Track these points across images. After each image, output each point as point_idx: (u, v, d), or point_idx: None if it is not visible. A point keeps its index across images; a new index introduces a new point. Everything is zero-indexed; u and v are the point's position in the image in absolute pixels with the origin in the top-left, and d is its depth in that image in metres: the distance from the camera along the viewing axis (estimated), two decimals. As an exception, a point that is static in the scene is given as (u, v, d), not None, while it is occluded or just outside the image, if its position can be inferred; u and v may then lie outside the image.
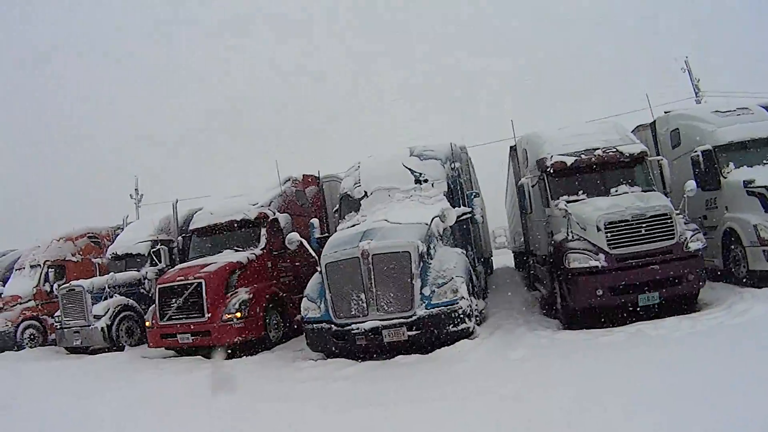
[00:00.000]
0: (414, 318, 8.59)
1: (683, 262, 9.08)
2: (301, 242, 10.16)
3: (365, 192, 11.29)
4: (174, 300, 12.03)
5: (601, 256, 9.11)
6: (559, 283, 9.79)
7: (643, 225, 9.12)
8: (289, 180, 14.55)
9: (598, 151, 10.67)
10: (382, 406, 6.22)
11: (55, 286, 16.38)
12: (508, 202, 21.24)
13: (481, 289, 13.06)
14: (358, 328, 8.76)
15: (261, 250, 12.81)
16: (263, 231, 12.98)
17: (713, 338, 7.24)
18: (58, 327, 15.40)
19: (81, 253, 18.65)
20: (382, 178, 11.31)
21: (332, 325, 9.08)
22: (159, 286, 12.40)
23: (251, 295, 11.87)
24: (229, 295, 11.89)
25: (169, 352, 12.73)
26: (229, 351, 11.59)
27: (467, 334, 8.79)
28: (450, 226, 10.39)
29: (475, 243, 12.73)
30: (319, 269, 9.43)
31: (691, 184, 9.93)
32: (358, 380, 7.81)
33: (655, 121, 14.67)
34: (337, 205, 12.09)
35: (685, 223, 9.53)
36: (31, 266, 18.21)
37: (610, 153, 10.62)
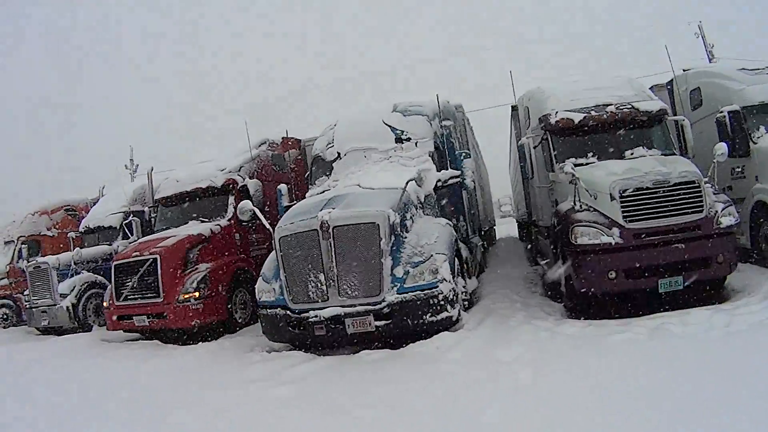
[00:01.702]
0: (383, 305, 6.71)
1: (713, 241, 7.20)
2: (254, 212, 8.24)
3: (338, 153, 9.32)
4: (129, 278, 10.31)
5: (615, 230, 7.19)
6: (564, 261, 7.83)
7: (666, 194, 7.20)
8: (265, 143, 12.57)
9: (611, 108, 8.83)
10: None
11: (24, 263, 14.78)
12: (511, 168, 19.11)
13: (476, 264, 11.11)
14: (316, 316, 6.92)
15: (228, 220, 10.95)
16: (231, 199, 11.10)
17: (757, 342, 5.33)
18: (28, 306, 13.96)
19: (57, 227, 16.94)
20: (358, 137, 9.33)
21: (287, 311, 7.24)
22: (114, 263, 10.74)
23: (212, 272, 10.04)
24: (188, 272, 10.08)
25: (131, 334, 11.02)
26: (189, 335, 9.88)
27: (449, 325, 6.90)
28: (435, 193, 8.44)
29: (469, 212, 10.72)
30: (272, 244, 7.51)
31: (722, 147, 8.03)
32: (306, 383, 6.02)
33: (672, 80, 12.60)
34: (309, 170, 10.10)
35: (715, 194, 7.64)
36: (5, 242, 16.68)
37: (625, 110, 8.77)
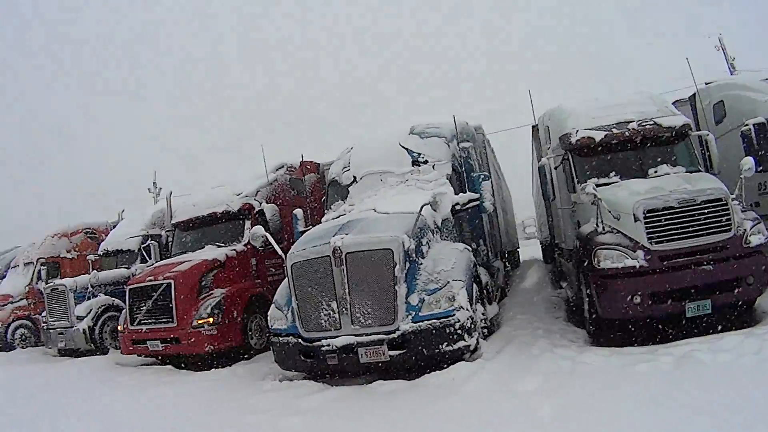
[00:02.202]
0: (397, 333, 6.41)
1: (742, 261, 6.77)
2: (266, 238, 8.03)
3: (354, 177, 9.09)
4: (143, 303, 10.16)
5: (639, 253, 6.82)
6: (587, 285, 7.48)
7: (693, 213, 6.81)
8: (283, 167, 12.41)
9: (633, 125, 8.45)
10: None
11: (42, 285, 14.78)
12: (534, 189, 18.73)
13: (497, 288, 10.77)
14: (328, 345, 6.63)
15: (244, 245, 10.76)
16: (247, 224, 10.91)
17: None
18: (45, 328, 13.95)
19: (77, 249, 16.97)
20: (374, 160, 9.10)
21: (299, 340, 6.97)
22: (129, 287, 10.61)
23: (227, 298, 9.84)
24: (202, 297, 9.90)
25: (146, 358, 10.83)
26: (204, 360, 9.66)
27: (466, 354, 6.58)
28: (453, 217, 8.16)
29: (489, 235, 10.40)
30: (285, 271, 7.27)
31: (749, 162, 7.56)
32: (316, 415, 5.75)
33: (694, 94, 12.30)
34: (325, 194, 9.88)
35: (743, 211, 7.26)
36: (25, 264, 16.79)
37: (647, 126, 8.40)
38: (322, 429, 5.35)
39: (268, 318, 7.61)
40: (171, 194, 14.93)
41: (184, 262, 10.36)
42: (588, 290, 7.45)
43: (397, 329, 6.40)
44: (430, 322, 6.36)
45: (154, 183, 25.59)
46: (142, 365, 10.66)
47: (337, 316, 6.65)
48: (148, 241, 13.68)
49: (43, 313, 14.06)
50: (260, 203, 11.05)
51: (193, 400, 7.15)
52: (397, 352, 6.40)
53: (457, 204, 8.14)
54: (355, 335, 6.54)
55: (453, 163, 8.88)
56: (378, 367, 6.68)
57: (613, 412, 4.48)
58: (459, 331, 6.35)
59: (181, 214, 11.96)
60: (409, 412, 5.37)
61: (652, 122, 8.47)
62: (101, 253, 14.91)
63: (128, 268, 14.10)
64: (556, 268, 13.43)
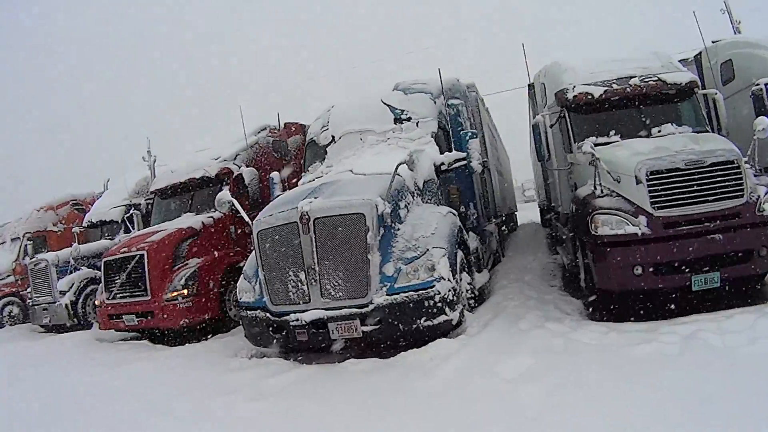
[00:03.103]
0: (370, 307, 5.69)
1: (754, 231, 6.00)
2: (232, 204, 7.29)
3: (332, 137, 8.30)
4: (118, 276, 9.50)
5: (642, 219, 6.05)
6: (583, 253, 6.73)
7: (701, 177, 6.01)
8: (265, 129, 11.58)
9: (635, 80, 7.72)
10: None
11: (25, 260, 14.17)
12: (531, 151, 17.88)
13: (490, 254, 10.04)
14: (297, 320, 5.94)
15: (222, 212, 9.98)
16: (225, 189, 10.08)
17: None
18: (31, 304, 13.41)
19: (64, 222, 16.26)
20: (354, 119, 8.30)
21: (268, 314, 6.29)
22: (104, 259, 9.92)
23: (203, 268, 9.17)
24: (177, 268, 9.22)
25: (127, 333, 10.26)
26: (180, 335, 9.07)
27: (447, 330, 5.87)
28: (438, 178, 7.39)
29: (481, 198, 9.61)
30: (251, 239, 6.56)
31: (764, 122, 6.74)
32: (280, 398, 5.09)
33: (700, 53, 11.42)
34: (303, 156, 9.09)
35: (756, 176, 6.55)
36: (12, 239, 16.12)
37: (651, 82, 7.65)
38: (284, 415, 4.68)
39: (237, 290, 6.95)
40: (155, 160, 14.25)
41: (158, 231, 9.67)
42: (584, 259, 6.71)
43: (371, 302, 5.68)
44: (406, 294, 5.63)
45: (148, 151, 24.78)
46: (121, 340, 10.11)
47: (306, 288, 5.95)
48: (131, 211, 12.98)
49: (28, 289, 13.51)
50: (239, 167, 10.29)
51: (159, 381, 6.50)
52: (370, 328, 5.69)
53: (443, 164, 7.35)
54: (326, 309, 5.84)
55: (440, 121, 8.06)
56: (351, 344, 6.01)
57: (607, 402, 3.77)
58: (439, 305, 5.62)
59: (159, 181, 11.26)
60: (379, 396, 4.70)
61: (655, 78, 7.72)
62: (86, 225, 14.25)
63: (112, 239, 13.43)
64: (552, 232, 12.67)
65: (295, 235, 5.96)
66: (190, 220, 9.80)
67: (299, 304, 6.01)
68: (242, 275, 6.92)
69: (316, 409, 4.68)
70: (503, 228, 15.65)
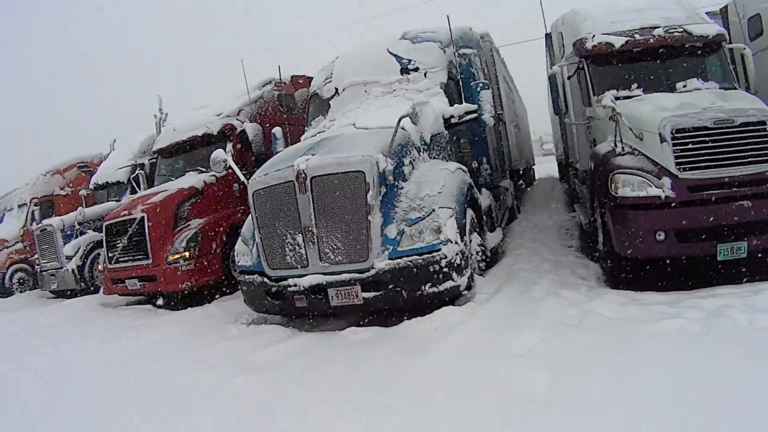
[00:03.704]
0: (372, 272, 5.23)
1: None
2: (227, 162, 6.84)
3: (336, 89, 7.74)
4: (119, 239, 9.16)
5: (665, 180, 5.45)
6: (602, 215, 6.18)
7: (730, 137, 5.39)
8: (271, 83, 11.00)
9: (659, 31, 7.06)
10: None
11: (33, 226, 13.90)
12: (549, 103, 17.09)
13: (505, 211, 9.52)
14: (295, 285, 5.52)
15: (225, 170, 9.53)
16: (229, 146, 9.67)
17: None
18: (39, 270, 13.20)
19: (71, 185, 15.89)
20: (359, 70, 7.71)
21: (265, 279, 5.87)
22: (105, 223, 9.57)
23: (205, 229, 8.78)
24: (178, 230, 8.84)
25: (130, 297, 9.97)
26: (184, 298, 8.74)
27: (455, 296, 5.41)
28: (447, 132, 6.84)
29: (496, 152, 9.02)
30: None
31: None
32: (269, 372, 4.68)
33: (726, 6, 10.53)
34: (306, 110, 8.53)
35: None
36: (19, 206, 15.78)
37: (676, 34, 7.00)
38: (269, 392, 4.28)
39: (235, 253, 6.54)
40: (161, 118, 13.79)
41: (159, 192, 9.28)
42: (603, 220, 6.15)
43: (372, 267, 5.22)
44: (410, 258, 5.15)
45: (160, 109, 24.27)
46: (126, 305, 9.82)
47: (303, 251, 5.50)
48: (137, 171, 12.60)
49: (36, 255, 13.30)
50: (242, 123, 9.78)
51: (152, 351, 6.16)
52: (371, 294, 5.25)
53: (452, 117, 6.79)
54: (324, 274, 5.40)
55: (450, 71, 7.43)
56: (351, 310, 5.60)
57: (622, 387, 3.29)
58: (446, 270, 5.14)
59: (161, 140, 10.81)
60: (374, 371, 4.27)
61: (681, 29, 7.08)
62: (92, 187, 13.90)
63: (119, 201, 13.09)
64: (570, 189, 12.06)
65: (292, 196, 5.49)
66: (191, 180, 9.38)
67: (297, 268, 5.58)
68: (240, 237, 6.51)
69: (300, 392, 4.21)
70: (520, 182, 15.06)
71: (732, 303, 4.60)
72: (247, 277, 6.15)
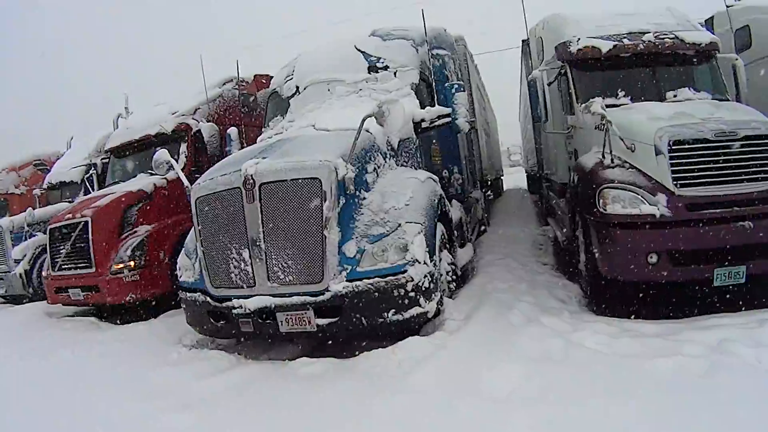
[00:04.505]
0: (327, 296, 4.44)
1: None
2: (171, 165, 6.02)
3: (296, 87, 6.95)
4: (63, 245, 8.22)
5: (660, 197, 4.83)
6: (586, 233, 5.50)
7: (733, 151, 4.81)
8: (231, 81, 10.10)
9: (648, 36, 6.59)
10: None
11: None
12: (521, 113, 16.46)
13: (475, 224, 8.83)
14: (240, 307, 4.70)
15: (167, 172, 8.63)
16: (183, 147, 8.81)
17: None
18: (-13, 273, 11.97)
19: (26, 183, 14.75)
20: (323, 67, 6.93)
21: (208, 298, 5.04)
22: (49, 226, 8.62)
23: (152, 236, 7.90)
24: (124, 236, 7.94)
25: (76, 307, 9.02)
26: (130, 310, 7.86)
27: (421, 323, 4.65)
28: (417, 137, 6.10)
29: (468, 161, 8.34)
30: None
31: None
32: (209, 410, 3.91)
33: (712, 17, 10.10)
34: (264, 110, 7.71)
35: None
36: None
37: (667, 40, 6.53)
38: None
39: (178, 267, 5.71)
40: (119, 116, 12.79)
41: (105, 195, 8.37)
42: (586, 239, 5.47)
43: (327, 290, 4.44)
44: (371, 281, 4.37)
45: (126, 108, 23.12)
46: (73, 315, 8.85)
47: (250, 269, 4.70)
48: (91, 171, 11.61)
49: (-15, 258, 12.20)
50: (198, 122, 8.91)
51: (81, 375, 5.33)
52: (326, 321, 4.47)
53: (423, 120, 6.04)
54: (273, 296, 4.61)
55: (422, 72, 6.70)
56: (304, 337, 4.82)
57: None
58: (412, 294, 4.38)
59: (114, 139, 9.89)
60: (324, 414, 3.53)
61: (672, 36, 6.60)
62: (46, 187, 12.85)
63: (71, 202, 12.09)
64: (543, 202, 11.41)
65: (239, 204, 4.69)
66: (141, 182, 8.48)
67: (243, 287, 4.77)
68: (183, 249, 5.69)
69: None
70: (488, 193, 14.45)
71: (735, 336, 4.00)
72: (188, 295, 5.34)
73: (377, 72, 6.55)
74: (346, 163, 4.58)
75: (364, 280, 4.38)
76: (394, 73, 6.51)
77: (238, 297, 4.77)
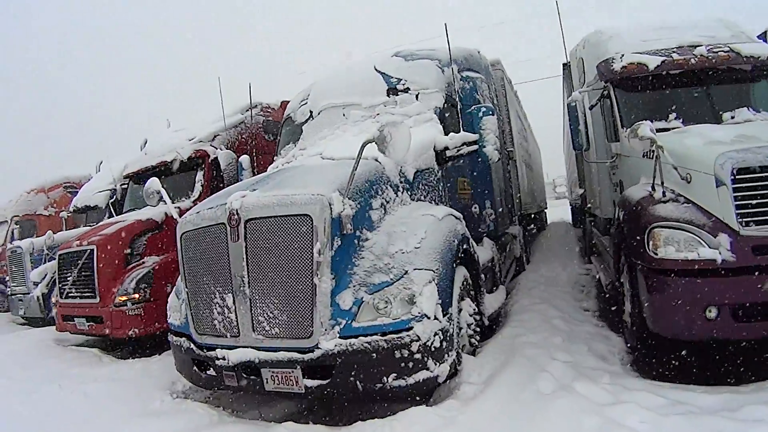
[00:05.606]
0: (317, 354, 3.70)
1: None
2: (161, 195, 5.46)
3: (310, 112, 6.32)
4: (70, 272, 7.78)
5: (723, 238, 3.93)
6: (632, 280, 4.62)
7: None
8: (257, 107, 9.62)
9: (701, 50, 5.81)
10: None
11: (8, 246, 12.68)
12: (564, 142, 15.51)
13: (512, 262, 8.00)
14: (223, 358, 4.00)
15: (192, 201, 8.11)
16: (199, 175, 8.31)
17: None
18: (9, 294, 11.97)
19: (55, 205, 14.67)
20: (339, 90, 6.30)
21: (192, 345, 4.37)
22: (59, 252, 8.22)
23: (160, 269, 7.36)
24: (130, 267, 7.44)
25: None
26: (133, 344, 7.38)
27: (429, 390, 3.85)
28: (440, 167, 5.37)
29: (503, 194, 7.54)
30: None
31: None
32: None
33: (765, 31, 9.15)
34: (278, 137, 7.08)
35: None
36: None
37: (721, 54, 5.75)
38: None
39: (167, 307, 5.08)
40: (146, 142, 12.51)
41: (114, 223, 7.93)
42: (633, 287, 4.58)
43: (317, 347, 3.70)
44: (369, 339, 3.61)
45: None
46: (82, 344, 8.40)
47: (234, 317, 4.02)
48: (115, 196, 11.31)
49: (6, 278, 12.11)
50: (216, 150, 8.40)
51: (57, 418, 4.83)
52: (315, 383, 3.73)
53: (446, 148, 5.30)
54: (258, 348, 3.90)
55: (448, 94, 5.98)
56: (292, 397, 4.09)
57: None
58: (418, 356, 3.59)
59: (132, 165, 9.50)
60: None
61: (727, 49, 5.79)
62: (72, 210, 12.66)
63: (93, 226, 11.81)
64: (586, 238, 10.45)
65: (223, 243, 4.03)
66: (152, 211, 7.97)
67: (227, 337, 4.10)
68: (174, 289, 5.06)
69: None
70: (531, 227, 13.53)
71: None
72: (175, 339, 4.71)
73: (397, 94, 5.87)
74: (343, 197, 3.87)
75: (361, 338, 3.62)
76: (416, 96, 5.81)
77: (222, 347, 4.09)
